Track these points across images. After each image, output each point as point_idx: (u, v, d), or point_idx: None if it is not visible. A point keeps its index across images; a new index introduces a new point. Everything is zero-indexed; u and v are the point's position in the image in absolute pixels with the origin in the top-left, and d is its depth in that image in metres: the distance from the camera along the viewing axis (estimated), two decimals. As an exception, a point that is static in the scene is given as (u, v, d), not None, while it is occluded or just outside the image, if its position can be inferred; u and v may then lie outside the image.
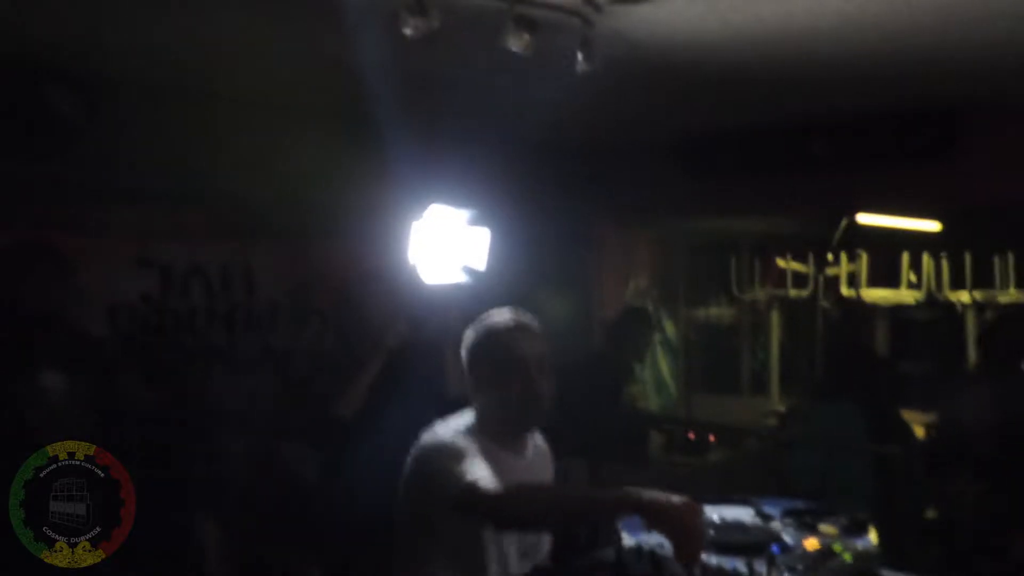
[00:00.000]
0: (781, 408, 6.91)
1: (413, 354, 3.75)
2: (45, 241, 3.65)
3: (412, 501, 2.39)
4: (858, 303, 6.93)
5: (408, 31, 2.98)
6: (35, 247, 3.58)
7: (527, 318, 2.55)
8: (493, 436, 2.45)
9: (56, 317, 3.55)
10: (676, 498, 2.01)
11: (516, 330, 2.50)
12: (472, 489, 2.17)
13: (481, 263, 4.95)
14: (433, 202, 4.66)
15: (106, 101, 4.33)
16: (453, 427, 2.46)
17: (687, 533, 1.99)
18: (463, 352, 2.54)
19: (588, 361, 5.42)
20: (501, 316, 2.55)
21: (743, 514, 3.30)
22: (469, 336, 2.54)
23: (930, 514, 3.78)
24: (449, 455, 2.29)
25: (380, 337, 3.74)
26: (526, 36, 3.14)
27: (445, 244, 4.88)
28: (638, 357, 5.84)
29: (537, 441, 2.66)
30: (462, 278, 4.83)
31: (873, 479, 4.20)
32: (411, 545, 2.40)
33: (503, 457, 2.42)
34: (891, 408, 4.66)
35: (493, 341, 2.49)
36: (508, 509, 2.19)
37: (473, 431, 2.44)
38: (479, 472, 2.21)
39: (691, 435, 6.32)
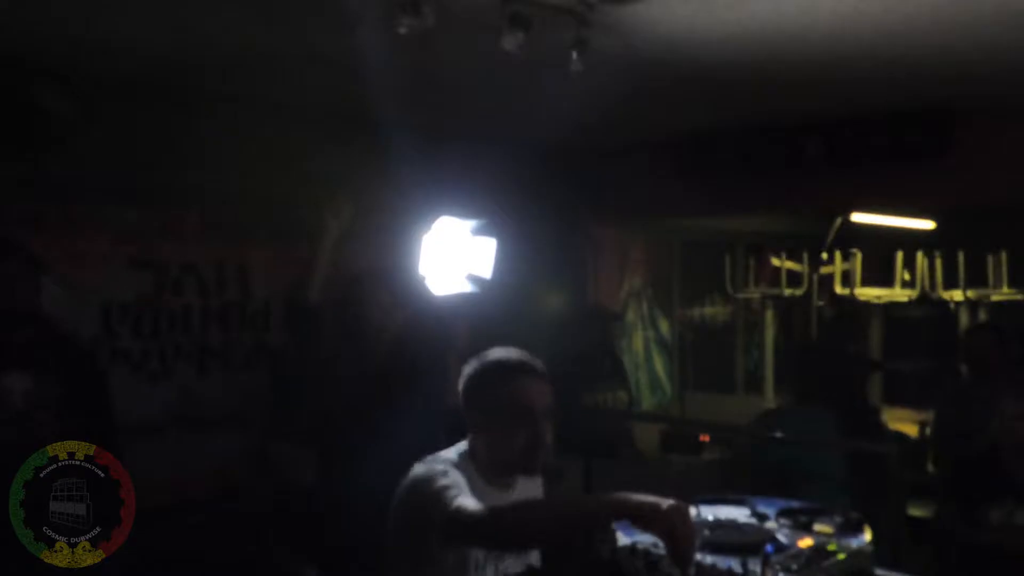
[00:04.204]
0: (771, 407, 6.93)
1: (415, 364, 3.76)
2: (10, 238, 3.53)
3: (401, 529, 2.36)
4: (852, 301, 6.96)
5: (402, 30, 2.98)
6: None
7: (533, 360, 2.49)
8: (483, 471, 2.43)
9: (29, 316, 3.45)
10: (664, 501, 2.02)
11: (523, 373, 2.44)
12: (460, 515, 2.14)
13: (487, 272, 4.96)
14: (439, 213, 4.66)
15: (100, 100, 4.33)
16: (443, 457, 2.42)
17: (677, 535, 2.00)
18: (462, 386, 2.48)
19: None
20: (507, 355, 2.48)
21: (738, 513, 3.31)
22: (471, 371, 2.48)
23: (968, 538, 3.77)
24: (436, 484, 2.25)
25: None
26: (520, 35, 3.14)
27: (452, 254, 4.89)
28: (592, 361, 5.86)
29: (529, 481, 2.62)
30: (468, 288, 4.83)
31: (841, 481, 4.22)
32: (400, 571, 2.39)
33: (489, 492, 2.38)
34: (866, 407, 4.66)
35: (497, 383, 2.43)
36: (497, 532, 2.17)
37: (463, 464, 2.41)
38: (467, 498, 2.18)
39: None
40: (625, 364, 6.71)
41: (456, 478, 2.28)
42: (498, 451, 2.42)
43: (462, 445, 2.49)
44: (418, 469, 2.38)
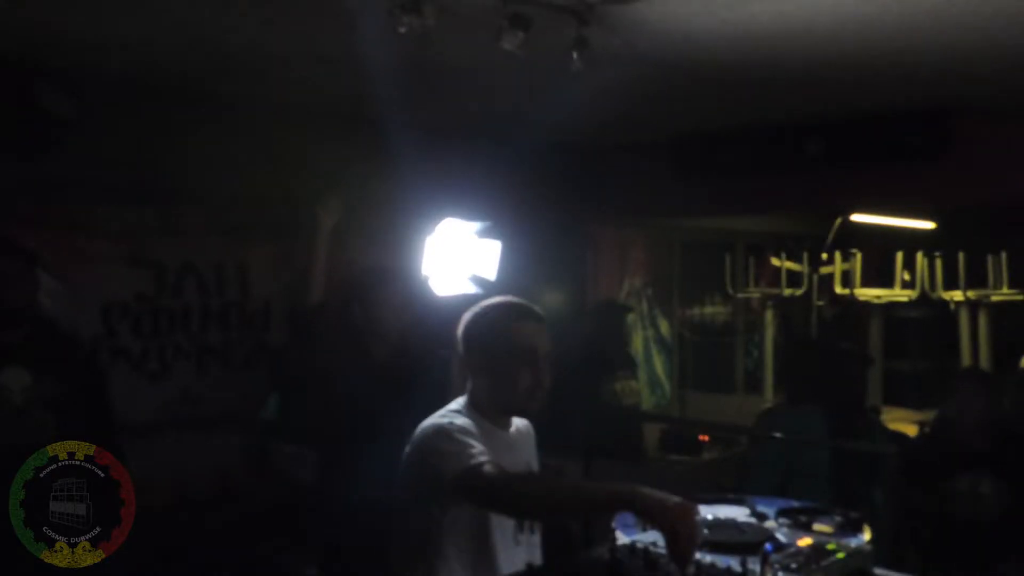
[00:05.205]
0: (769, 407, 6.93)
1: (418, 364, 3.76)
2: (8, 236, 3.51)
3: (412, 485, 2.41)
4: (851, 302, 6.96)
5: (402, 29, 2.99)
6: None
7: (531, 306, 2.57)
8: (485, 413, 2.51)
9: (28, 315, 3.45)
10: (671, 497, 2.03)
11: (522, 317, 2.53)
12: (472, 472, 2.21)
13: (491, 274, 4.96)
14: (442, 214, 4.66)
15: (100, 99, 4.33)
16: (449, 410, 2.51)
17: (681, 532, 2.01)
18: (464, 329, 2.55)
19: (567, 358, 5.44)
20: (506, 301, 2.57)
21: (737, 513, 3.30)
22: (474, 314, 2.55)
23: (935, 511, 3.82)
24: (448, 437, 2.32)
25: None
26: (520, 35, 3.15)
27: (455, 255, 4.89)
28: (611, 351, 5.86)
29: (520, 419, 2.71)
30: (472, 289, 4.83)
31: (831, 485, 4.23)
32: (409, 533, 2.41)
33: (492, 431, 2.49)
34: (862, 406, 4.66)
35: (499, 326, 2.51)
36: (505, 494, 2.23)
37: (466, 409, 2.50)
38: (479, 454, 2.25)
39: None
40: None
41: (466, 428, 2.36)
42: (500, 392, 2.50)
43: (461, 398, 2.56)
44: (428, 424, 2.45)
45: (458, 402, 2.55)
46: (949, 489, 3.86)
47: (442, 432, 2.36)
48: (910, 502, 4.03)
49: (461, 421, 2.40)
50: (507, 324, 2.51)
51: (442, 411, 2.51)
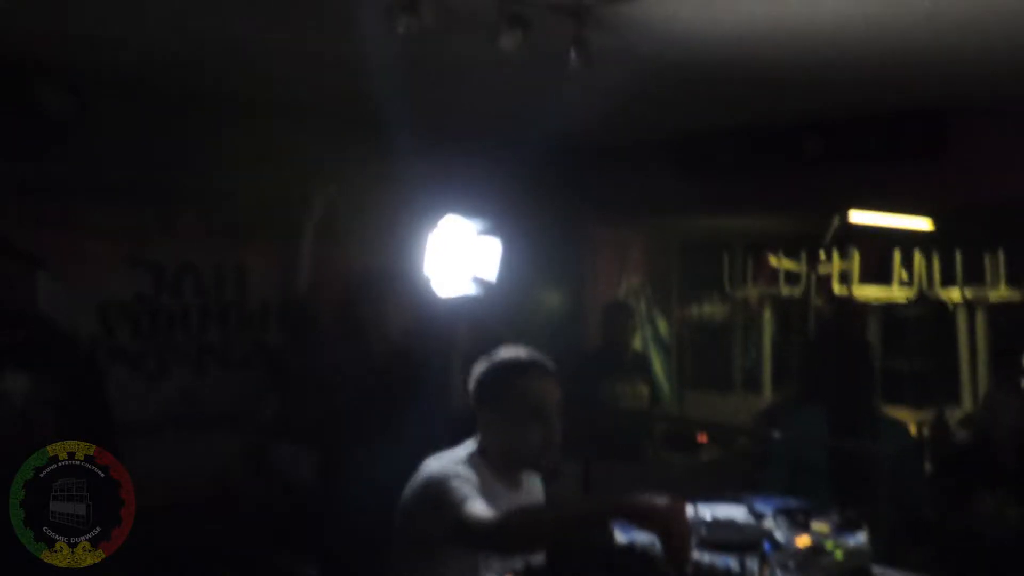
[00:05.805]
0: (770, 404, 6.93)
1: (419, 364, 3.76)
2: (6, 236, 3.48)
3: (410, 529, 2.39)
4: (849, 300, 6.96)
5: (401, 29, 3.00)
6: None
7: (542, 358, 2.54)
8: (494, 469, 2.47)
9: (26, 315, 3.43)
10: (660, 500, 2.04)
11: (535, 372, 2.50)
12: (469, 520, 2.18)
13: (492, 274, 4.96)
14: (443, 213, 4.66)
15: (99, 99, 4.33)
16: (453, 457, 2.46)
17: (674, 534, 2.02)
18: (474, 385, 2.53)
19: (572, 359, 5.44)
20: (518, 354, 2.53)
21: (736, 512, 3.31)
22: (483, 370, 2.53)
23: (958, 526, 3.79)
24: (447, 486, 2.29)
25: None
26: (519, 35, 3.15)
27: (456, 255, 4.88)
28: (616, 352, 5.85)
29: (532, 478, 2.67)
30: (472, 289, 4.83)
31: (835, 483, 4.23)
32: (408, 570, 2.41)
33: (499, 490, 2.44)
34: (872, 405, 4.65)
35: (510, 381, 2.48)
36: (504, 537, 2.20)
37: (474, 461, 2.45)
38: (476, 503, 2.22)
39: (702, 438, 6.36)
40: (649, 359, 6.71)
41: (468, 479, 2.32)
42: (510, 448, 2.47)
43: (471, 443, 2.52)
44: (430, 467, 2.41)
45: (467, 448, 2.51)
46: (974, 507, 3.81)
47: (440, 483, 2.32)
48: (926, 514, 3.99)
49: (464, 472, 2.35)
50: (514, 380, 2.48)
51: (448, 456, 2.47)
